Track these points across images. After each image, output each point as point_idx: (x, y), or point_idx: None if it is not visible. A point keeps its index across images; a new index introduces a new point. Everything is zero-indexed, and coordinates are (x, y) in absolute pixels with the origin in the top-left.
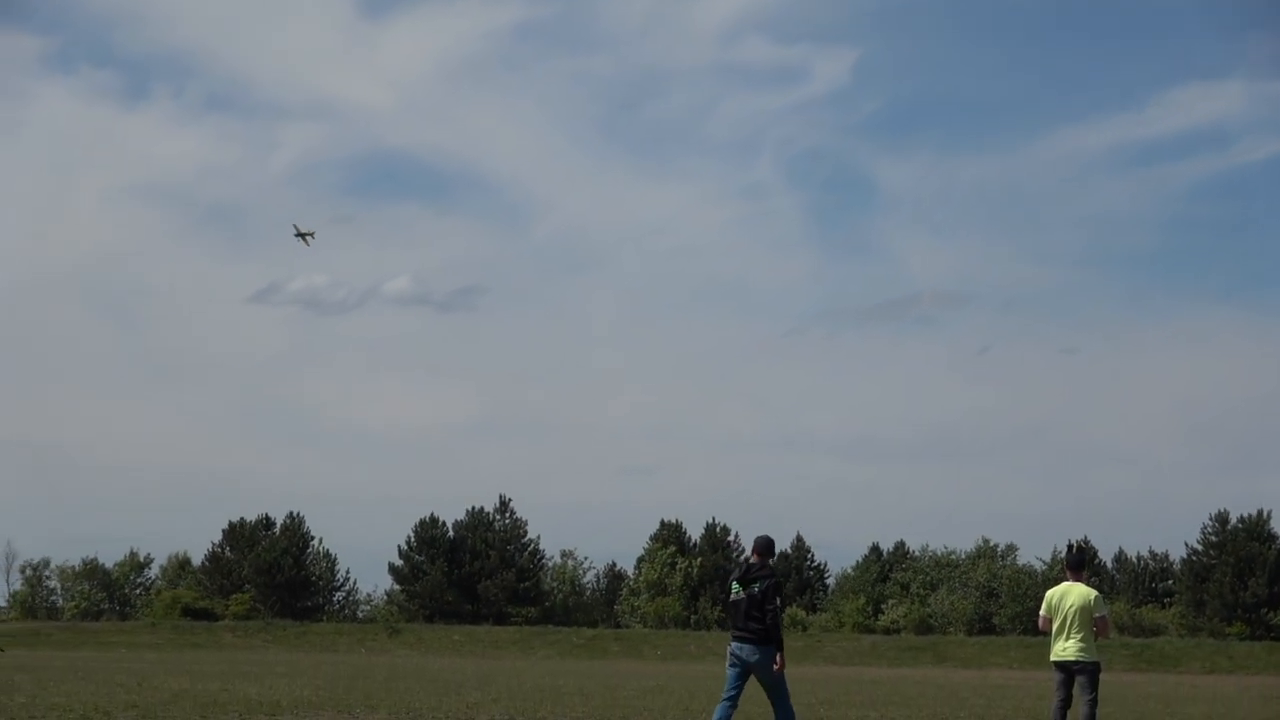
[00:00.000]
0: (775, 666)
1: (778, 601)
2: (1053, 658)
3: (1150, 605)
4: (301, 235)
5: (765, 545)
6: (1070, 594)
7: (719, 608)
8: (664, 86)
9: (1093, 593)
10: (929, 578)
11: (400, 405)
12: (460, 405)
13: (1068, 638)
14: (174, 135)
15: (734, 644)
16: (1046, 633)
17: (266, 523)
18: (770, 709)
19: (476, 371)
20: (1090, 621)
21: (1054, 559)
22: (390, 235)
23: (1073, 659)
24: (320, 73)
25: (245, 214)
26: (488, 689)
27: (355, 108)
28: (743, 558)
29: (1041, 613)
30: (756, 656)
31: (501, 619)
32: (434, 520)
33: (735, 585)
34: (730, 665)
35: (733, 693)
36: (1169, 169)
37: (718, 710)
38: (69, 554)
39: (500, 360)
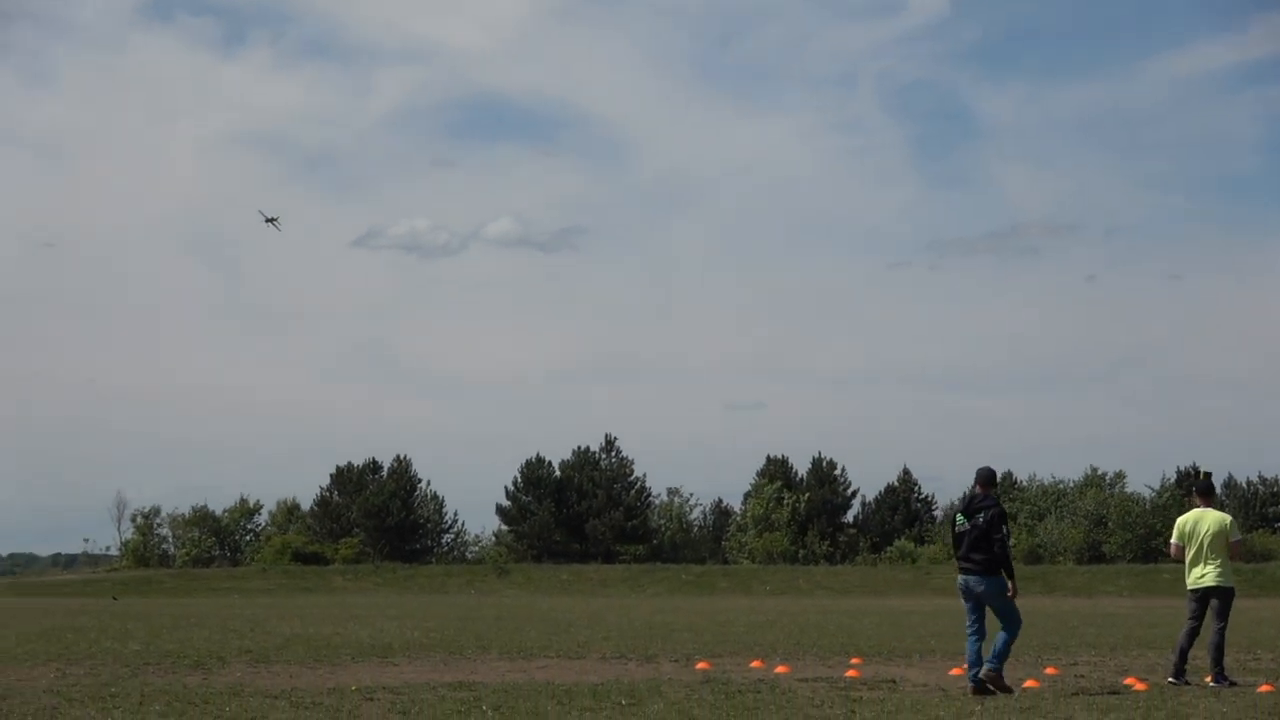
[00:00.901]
0: (1009, 594)
1: (1004, 530)
2: (1190, 585)
3: (1261, 530)
4: (270, 220)
5: (987, 476)
6: (1203, 520)
7: (826, 542)
8: (760, 20)
9: (1226, 517)
10: (1037, 507)
11: (504, 346)
12: (564, 345)
13: (1204, 564)
14: (272, 82)
15: (961, 577)
16: (1179, 560)
17: (374, 466)
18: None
19: (580, 311)
20: (1225, 546)
21: (1163, 486)
22: (491, 177)
23: (1211, 584)
24: (417, 16)
25: (345, 159)
26: (597, 627)
27: (452, 50)
28: (967, 491)
29: (1173, 540)
30: (983, 587)
31: (609, 557)
32: (540, 460)
33: (960, 517)
34: (963, 599)
35: (975, 625)
36: (1273, 91)
37: (968, 647)
38: (179, 502)
39: (604, 299)
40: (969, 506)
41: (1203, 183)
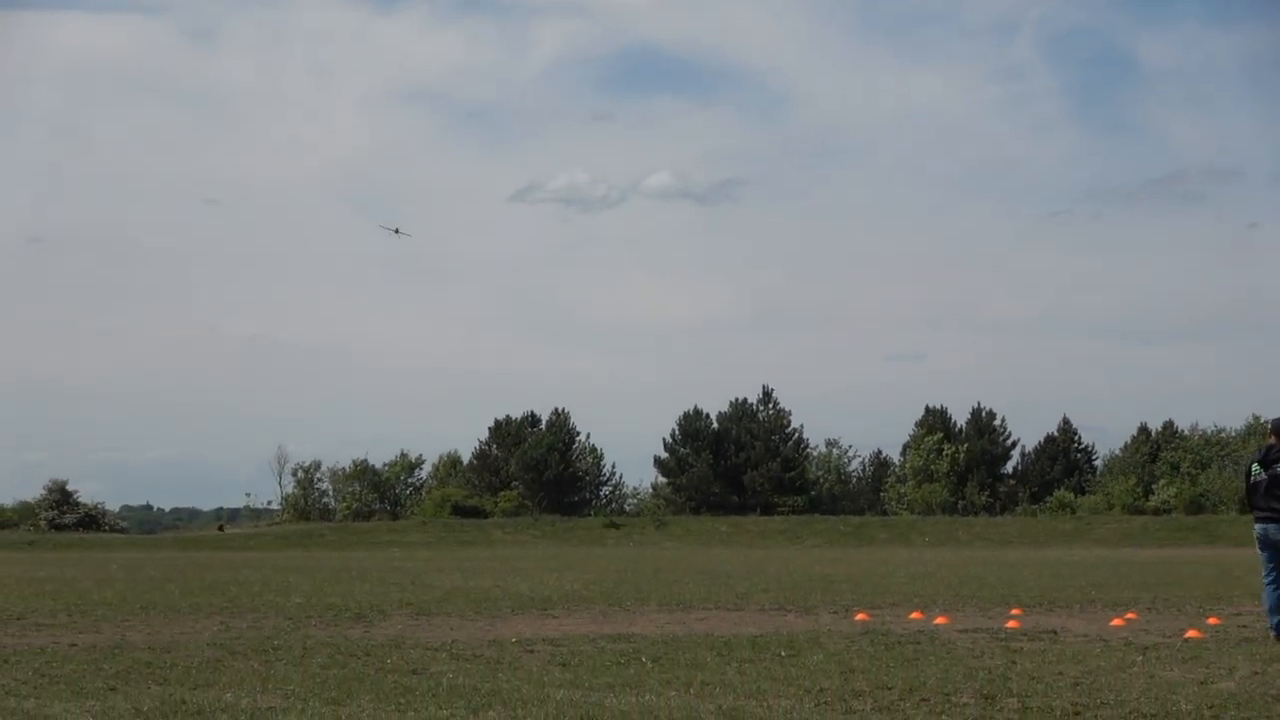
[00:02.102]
0: None
1: None
2: None
3: None
4: (393, 230)
5: None
6: None
7: (986, 493)
8: None
9: None
10: (1199, 457)
11: (662, 299)
12: (722, 297)
13: None
14: (430, 37)
15: (1260, 525)
16: None
17: (532, 420)
18: None
19: (738, 263)
20: None
21: None
22: (648, 130)
23: None
24: None
25: (503, 113)
26: (756, 579)
27: (608, 3)
28: (1264, 444)
29: None
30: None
31: (768, 509)
32: (697, 413)
33: (1256, 467)
34: (1261, 548)
35: (1274, 574)
36: None
37: (1267, 595)
38: (339, 456)
39: (761, 251)
40: (1266, 456)
41: None
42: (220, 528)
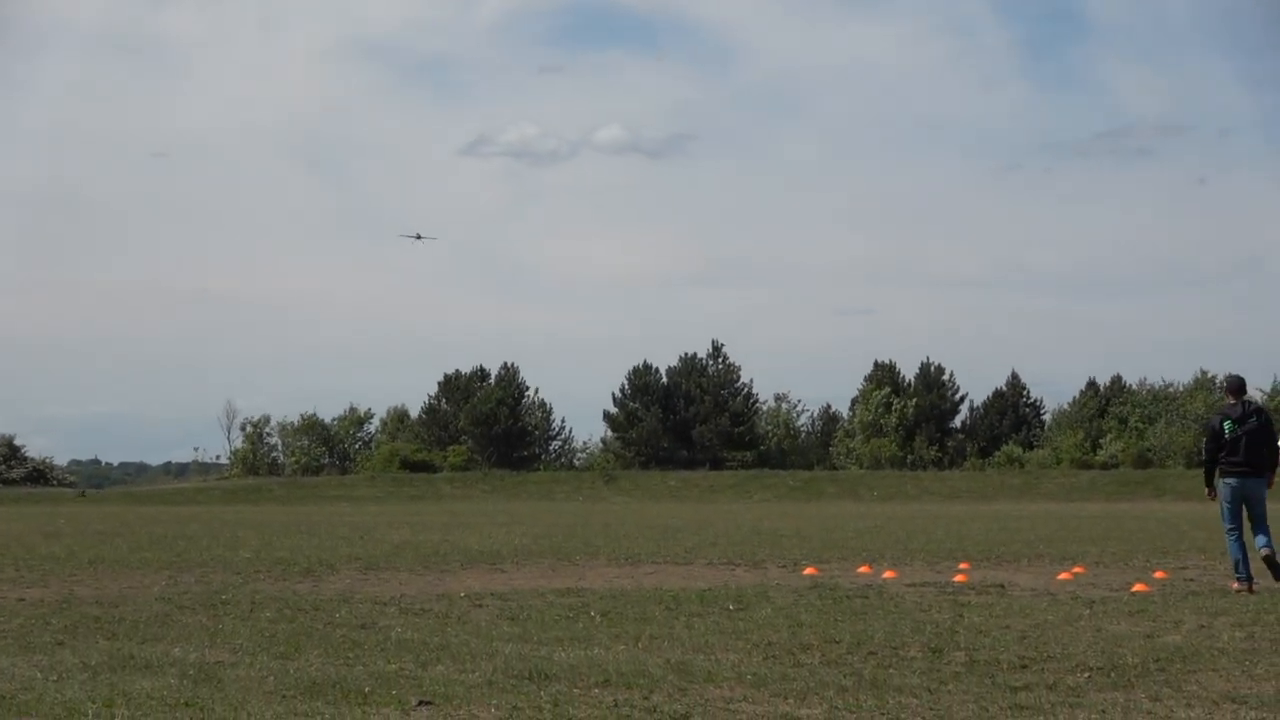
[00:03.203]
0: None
1: (1275, 431)
2: None
3: None
4: (416, 237)
5: (1239, 384)
6: None
7: (934, 447)
8: None
9: None
10: (1147, 411)
11: (612, 253)
12: (672, 252)
13: None
14: None
15: (1235, 479)
16: None
17: (481, 374)
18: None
19: (688, 218)
20: None
21: (1274, 388)
22: (599, 83)
23: None
24: None
25: (453, 67)
26: (705, 533)
27: None
28: (1224, 403)
29: None
30: (1259, 490)
31: (717, 464)
32: (647, 367)
33: (1229, 425)
34: (1229, 502)
35: (1237, 525)
36: None
37: (1232, 549)
38: (288, 410)
39: (712, 206)
40: (1243, 414)
41: None
42: (82, 493)
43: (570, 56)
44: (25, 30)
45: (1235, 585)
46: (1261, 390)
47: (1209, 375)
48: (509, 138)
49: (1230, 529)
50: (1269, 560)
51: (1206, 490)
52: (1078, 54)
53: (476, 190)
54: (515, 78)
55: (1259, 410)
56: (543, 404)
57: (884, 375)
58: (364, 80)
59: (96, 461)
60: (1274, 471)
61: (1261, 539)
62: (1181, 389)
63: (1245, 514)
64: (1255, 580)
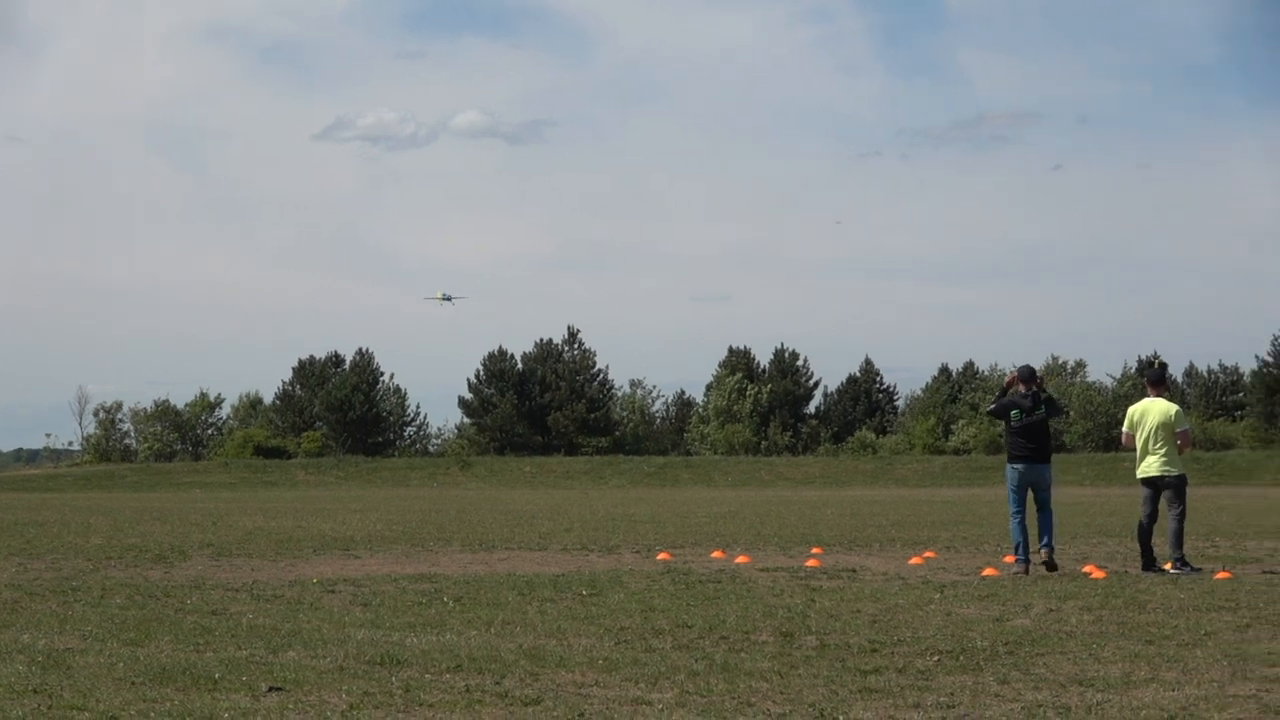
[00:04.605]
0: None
1: (1057, 406)
2: (1139, 474)
3: (1221, 419)
4: (446, 299)
5: (1031, 373)
6: (1152, 410)
7: (788, 433)
8: None
9: (1174, 407)
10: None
11: (469, 239)
12: (529, 238)
13: (1151, 453)
14: None
15: (1022, 464)
16: (1130, 449)
17: (336, 360)
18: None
19: (546, 203)
20: (1173, 436)
21: (1124, 375)
22: (458, 69)
23: (1157, 474)
24: None
25: (310, 51)
26: (560, 519)
27: None
28: (1014, 391)
29: (1124, 429)
30: (1043, 475)
31: (572, 450)
32: (502, 353)
33: (1017, 413)
34: (1013, 486)
35: (1021, 508)
36: None
37: (1015, 531)
38: (141, 397)
39: (570, 192)
40: (1032, 404)
41: (1171, 71)
42: None
43: (428, 41)
44: None
45: (1010, 560)
46: (1111, 376)
47: (1060, 361)
48: (366, 122)
49: (1015, 512)
50: (1047, 564)
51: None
52: (935, 41)
53: (333, 175)
54: (373, 62)
55: (1048, 400)
56: (398, 390)
57: (739, 361)
58: (220, 63)
59: None
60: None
61: (1045, 538)
62: None
63: (1031, 498)
64: (1032, 563)
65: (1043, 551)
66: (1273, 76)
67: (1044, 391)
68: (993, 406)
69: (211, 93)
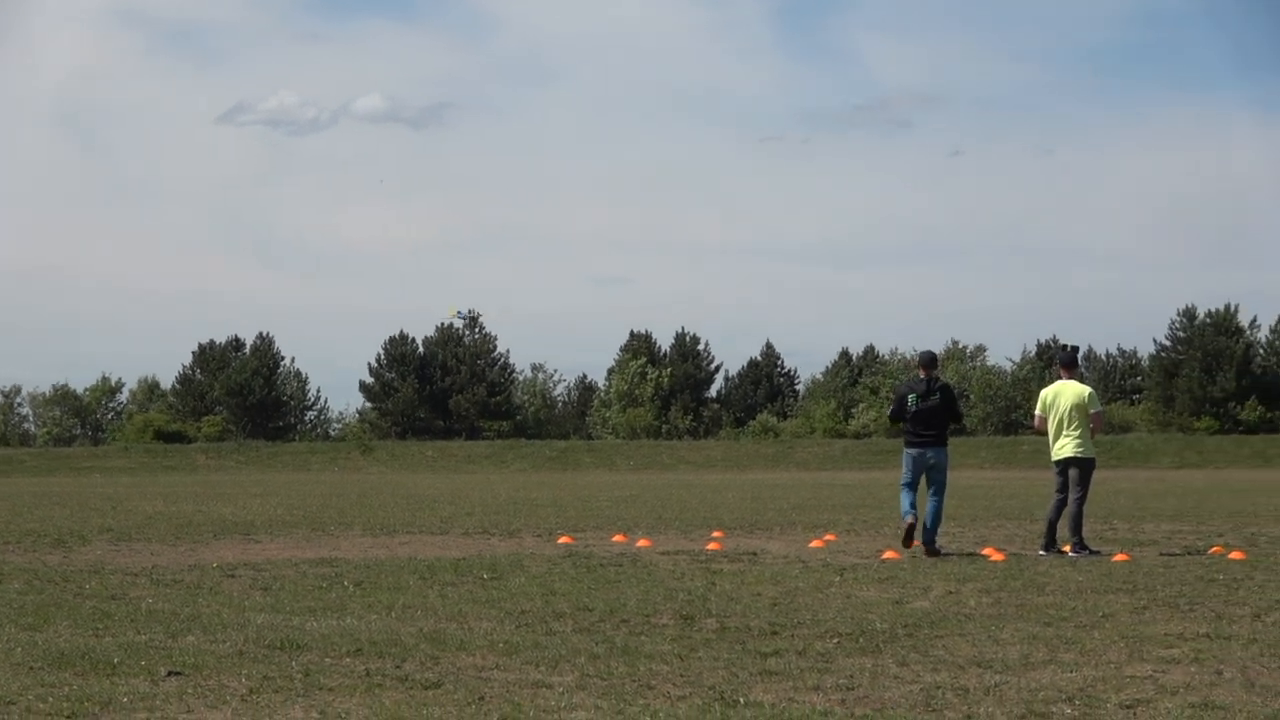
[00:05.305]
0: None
1: (958, 407)
2: (1053, 456)
3: (1120, 402)
4: (464, 316)
5: (931, 359)
6: (1064, 392)
7: (690, 417)
8: None
9: (1086, 389)
10: (898, 381)
11: (371, 223)
12: (431, 222)
13: (1064, 436)
14: None
15: (916, 449)
16: (1043, 433)
17: (236, 344)
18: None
19: (447, 188)
20: (1085, 418)
21: (1024, 359)
22: (359, 52)
23: (1069, 455)
24: None
25: (209, 33)
26: (461, 503)
27: None
28: (913, 376)
29: (1036, 412)
30: (937, 458)
31: (473, 434)
32: (403, 337)
33: (914, 398)
34: (908, 468)
35: (912, 486)
36: None
37: (904, 500)
38: (40, 380)
39: (470, 176)
40: (927, 389)
41: (1073, 55)
42: None
43: (330, 24)
44: None
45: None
46: (1011, 360)
47: (960, 345)
48: (268, 105)
49: (905, 485)
50: (927, 551)
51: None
52: (835, 25)
53: (233, 158)
54: (274, 45)
55: (943, 387)
56: (299, 374)
57: (640, 345)
58: (118, 45)
59: None
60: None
61: (930, 526)
62: None
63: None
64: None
65: (922, 541)
66: (1173, 62)
67: (940, 379)
68: (891, 409)
69: (110, 75)
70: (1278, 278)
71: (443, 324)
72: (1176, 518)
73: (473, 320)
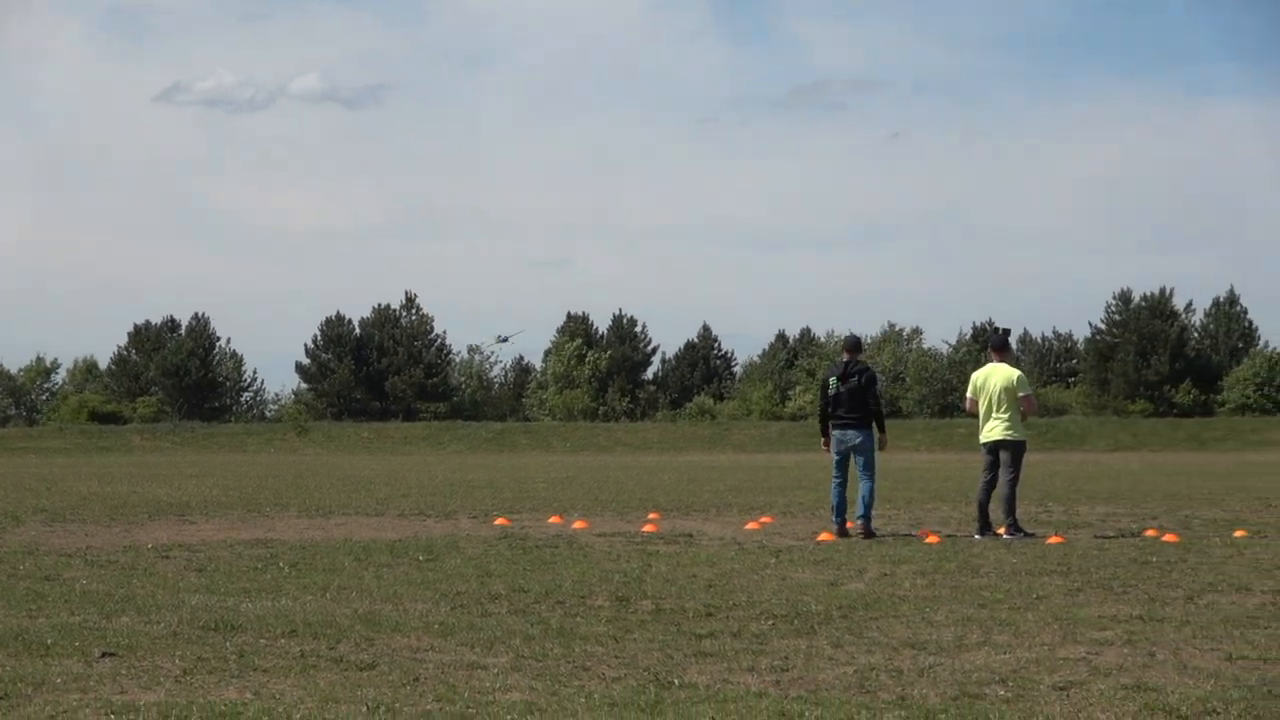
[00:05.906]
0: (879, 446)
1: (877, 390)
2: (982, 439)
3: (1055, 385)
4: (503, 340)
5: (855, 343)
6: (994, 375)
7: (626, 399)
8: None
9: (1016, 372)
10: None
11: (307, 204)
12: (367, 203)
13: (994, 418)
14: None
15: (839, 431)
16: (974, 415)
17: (172, 325)
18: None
19: (384, 169)
20: (1015, 401)
21: (959, 341)
22: (296, 32)
23: (999, 438)
24: None
25: (147, 12)
26: (397, 484)
27: None
28: (837, 359)
29: (968, 395)
30: (860, 439)
31: (410, 415)
32: (340, 318)
33: (834, 381)
34: (836, 451)
35: (842, 475)
36: None
37: (834, 494)
38: None
39: (407, 157)
40: (844, 372)
41: (1009, 39)
42: None
43: (268, 4)
44: None
45: (836, 533)
46: (947, 343)
47: (897, 328)
48: (206, 85)
49: (835, 476)
50: (864, 533)
51: (821, 440)
52: (773, 8)
53: (170, 138)
54: (213, 25)
55: (863, 370)
56: (234, 355)
57: (577, 327)
58: (55, 24)
59: None
60: (880, 428)
61: (861, 507)
62: (869, 341)
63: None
64: (846, 529)
65: (857, 522)
66: (1112, 44)
67: (863, 363)
68: (820, 408)
69: (45, 54)
70: (1212, 262)
71: (379, 305)
72: (1111, 500)
73: (503, 340)
